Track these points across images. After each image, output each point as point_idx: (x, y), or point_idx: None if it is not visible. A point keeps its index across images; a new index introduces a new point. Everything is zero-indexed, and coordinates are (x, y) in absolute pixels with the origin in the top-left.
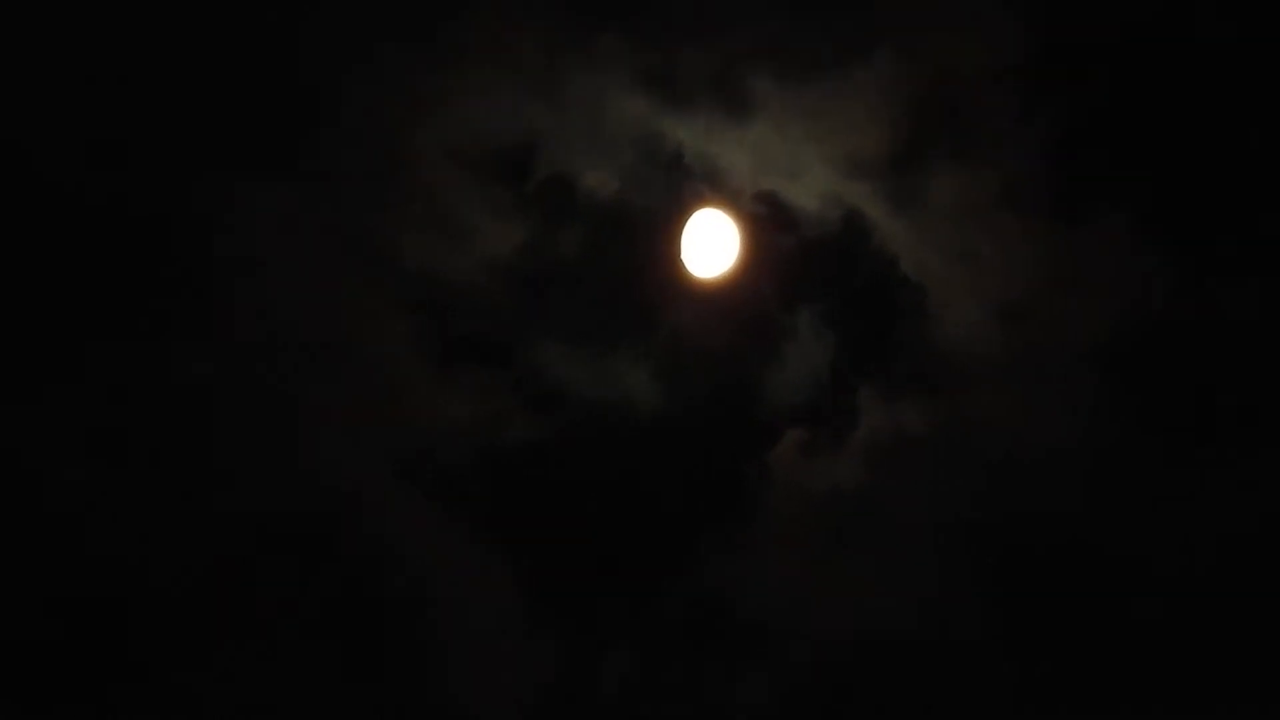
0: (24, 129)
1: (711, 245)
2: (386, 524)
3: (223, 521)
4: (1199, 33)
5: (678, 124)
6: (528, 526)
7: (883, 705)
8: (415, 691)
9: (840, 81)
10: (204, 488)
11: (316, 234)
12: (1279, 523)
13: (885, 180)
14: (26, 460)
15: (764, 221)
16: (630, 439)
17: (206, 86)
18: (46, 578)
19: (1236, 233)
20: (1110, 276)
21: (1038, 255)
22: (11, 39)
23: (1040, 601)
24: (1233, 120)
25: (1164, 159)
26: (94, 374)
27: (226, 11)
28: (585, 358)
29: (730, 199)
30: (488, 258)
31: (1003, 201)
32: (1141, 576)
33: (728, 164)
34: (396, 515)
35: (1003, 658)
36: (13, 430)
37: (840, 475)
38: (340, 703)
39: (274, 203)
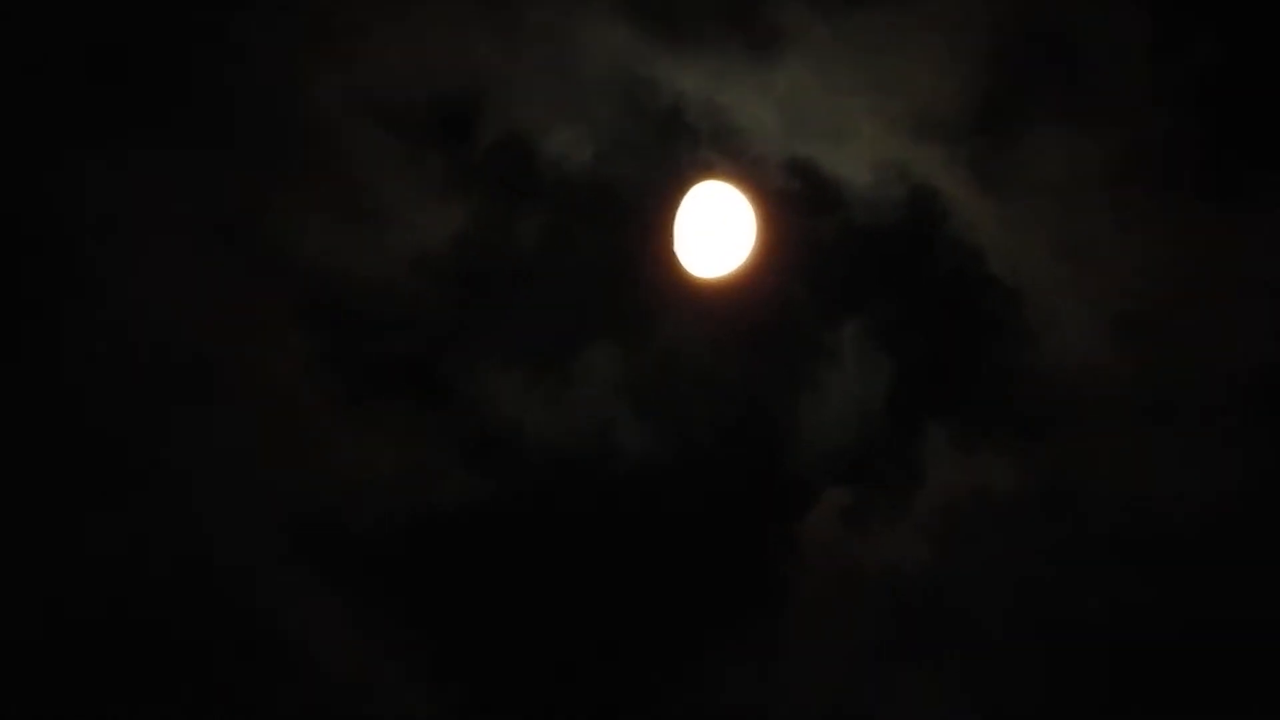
0: None
1: (721, 233)
2: (272, 615)
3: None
4: None
5: (677, 67)
6: (465, 621)
7: None
8: None
9: (904, 7)
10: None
11: (185, 221)
12: None
13: (966, 144)
14: None
15: (794, 201)
16: (608, 500)
17: (36, 30)
18: None
19: None
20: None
21: (1178, 249)
22: None
23: None
24: None
25: None
26: None
27: None
28: (547, 388)
29: (748, 170)
30: (416, 251)
31: (1131, 175)
32: None
33: (746, 122)
34: (285, 602)
35: None
36: None
37: (898, 552)
38: None
39: (128, 182)
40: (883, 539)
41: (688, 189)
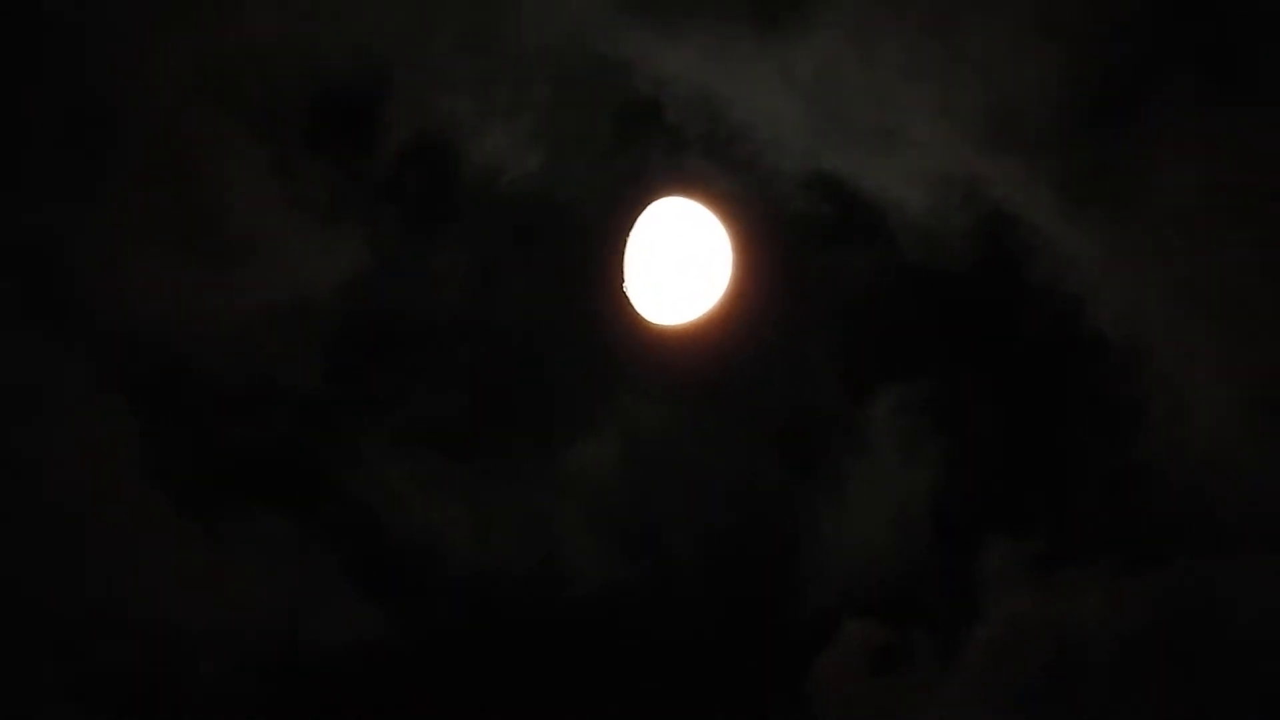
0: None
1: (708, 273)
2: None
3: None
4: None
5: (659, 44)
6: None
7: None
8: None
9: None
10: None
11: None
12: None
13: (1060, 155)
14: None
15: (815, 229)
16: (554, 640)
17: None
18: None
19: None
20: None
21: None
22: None
23: None
24: None
25: None
26: None
27: None
28: (468, 486)
29: (751, 188)
30: (289, 299)
31: None
32: None
33: (754, 122)
34: None
35: None
36: None
37: (949, 713)
38: None
39: None
40: (925, 690)
41: (665, 212)
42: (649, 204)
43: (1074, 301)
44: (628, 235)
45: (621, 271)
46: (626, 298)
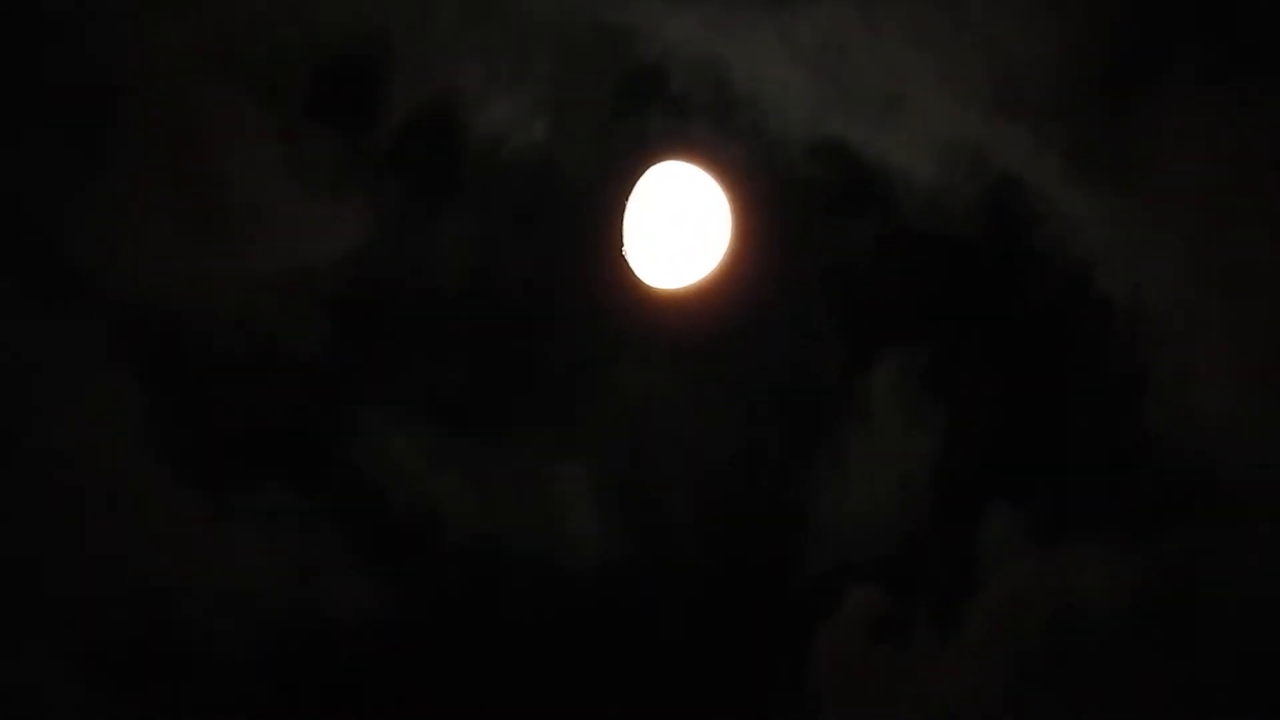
0: None
1: (709, 240)
2: None
3: None
4: None
5: (661, 14)
6: None
7: None
8: None
9: None
10: None
11: None
12: None
13: (1070, 121)
14: None
15: (814, 195)
16: (558, 611)
17: None
18: None
19: None
20: None
21: None
22: None
23: None
24: None
25: None
26: None
27: None
28: (469, 457)
29: (750, 153)
30: (293, 270)
31: None
32: None
33: (754, 89)
34: None
35: None
36: None
37: (944, 678)
38: None
39: None
40: (925, 659)
41: (667, 177)
42: (650, 169)
43: (1080, 268)
44: (628, 200)
45: (622, 237)
46: (627, 263)
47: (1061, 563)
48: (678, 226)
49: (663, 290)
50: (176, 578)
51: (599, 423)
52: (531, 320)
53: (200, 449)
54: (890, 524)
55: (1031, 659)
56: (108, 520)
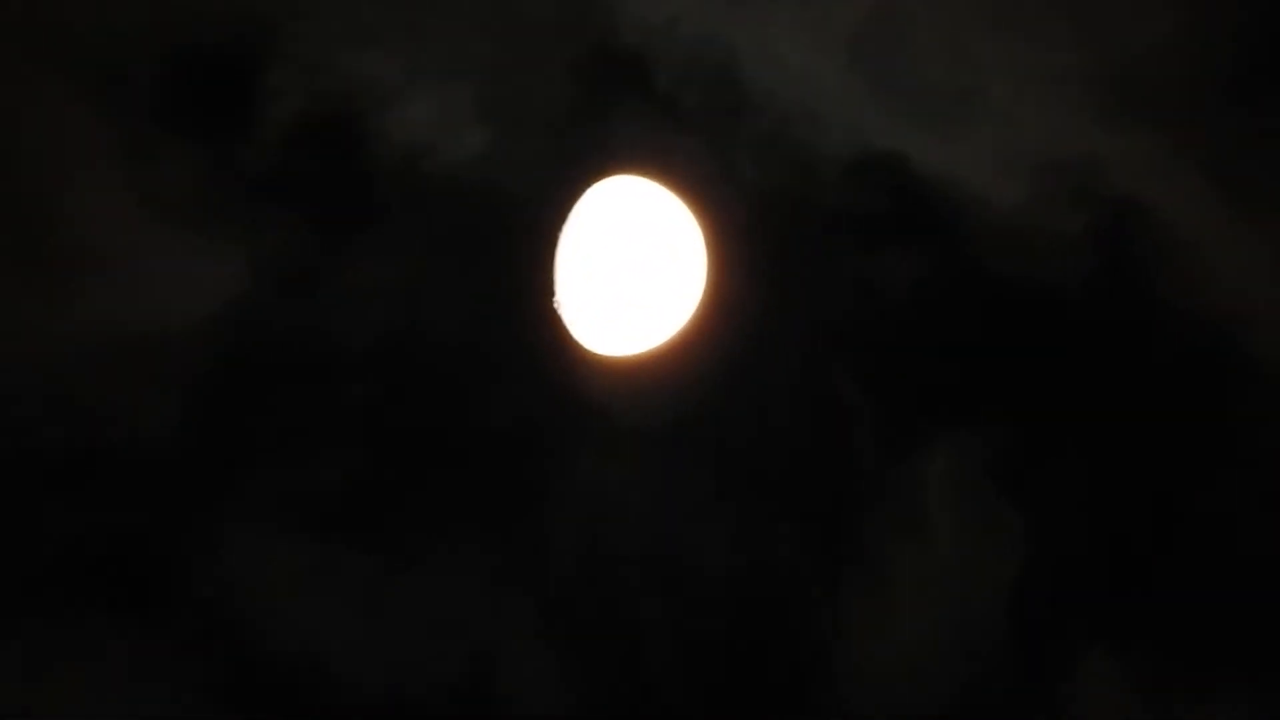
0: None
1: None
2: None
3: None
4: None
5: None
6: None
7: None
8: None
9: None
10: None
11: None
12: None
13: (1208, 130)
14: None
15: (850, 229)
16: None
17: None
18: None
19: None
20: None
21: None
22: None
23: None
24: None
25: None
26: None
27: None
28: (365, 576)
29: (762, 174)
30: (140, 327)
31: None
32: None
33: (770, 87)
34: None
35: None
36: None
37: None
38: None
39: None
40: None
41: (637, 211)
42: (613, 191)
43: (1220, 322)
44: (580, 235)
45: (565, 285)
46: (570, 322)
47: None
48: (646, 271)
49: (630, 354)
50: None
51: (547, 534)
52: (457, 395)
53: (6, 570)
54: (945, 670)
55: None
56: None
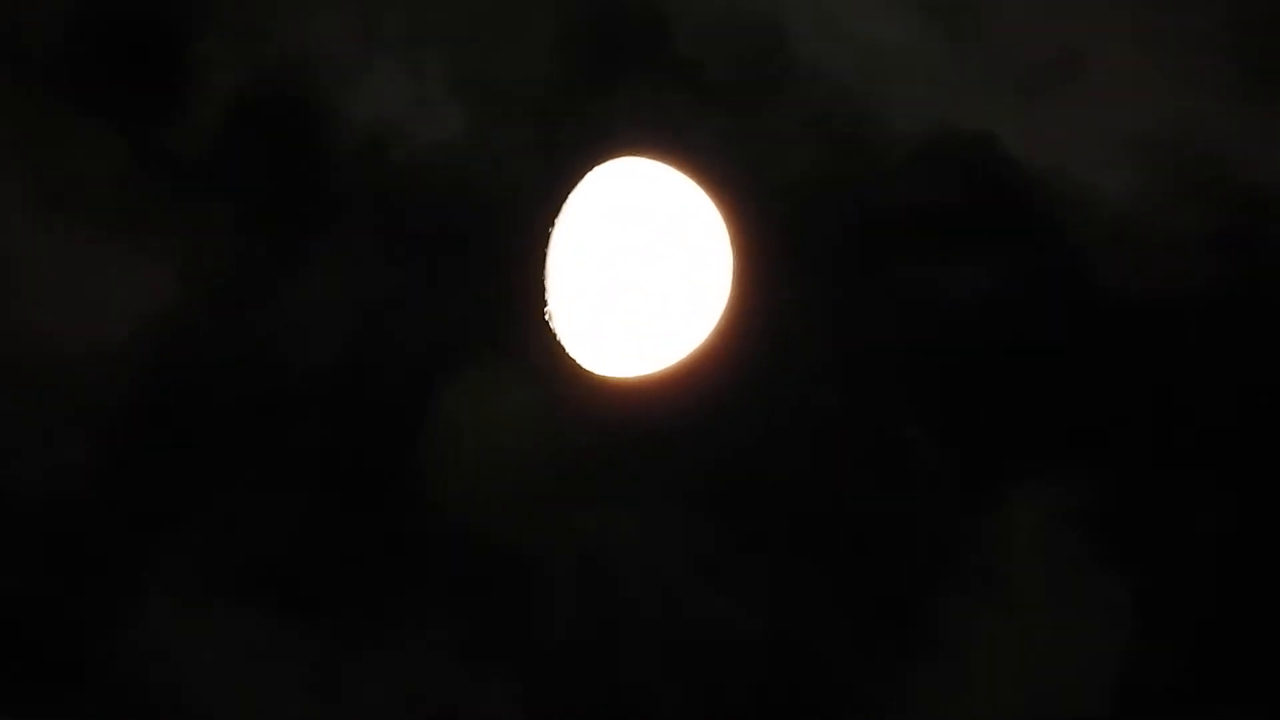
0: None
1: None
2: None
3: None
4: None
5: None
6: None
7: None
8: None
9: None
10: None
11: None
12: None
13: None
14: None
15: (916, 229)
16: None
17: None
18: None
19: None
20: None
21: None
22: None
23: None
24: None
25: None
26: None
27: None
28: (311, 656)
29: (813, 165)
30: (43, 355)
31: None
32: None
33: (818, 58)
34: None
35: None
36: None
37: None
38: None
39: None
40: None
41: (655, 206)
42: (618, 178)
43: None
44: (578, 233)
45: (558, 294)
46: (565, 338)
47: None
48: (664, 276)
49: (637, 377)
50: None
51: (532, 601)
52: (427, 430)
53: None
54: None
55: None
56: None
